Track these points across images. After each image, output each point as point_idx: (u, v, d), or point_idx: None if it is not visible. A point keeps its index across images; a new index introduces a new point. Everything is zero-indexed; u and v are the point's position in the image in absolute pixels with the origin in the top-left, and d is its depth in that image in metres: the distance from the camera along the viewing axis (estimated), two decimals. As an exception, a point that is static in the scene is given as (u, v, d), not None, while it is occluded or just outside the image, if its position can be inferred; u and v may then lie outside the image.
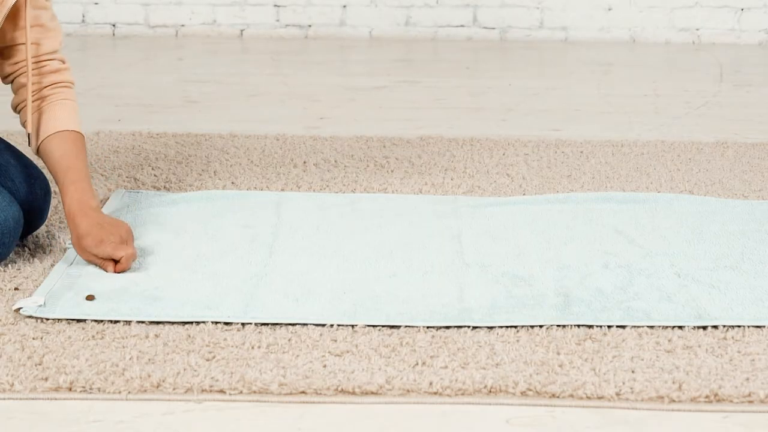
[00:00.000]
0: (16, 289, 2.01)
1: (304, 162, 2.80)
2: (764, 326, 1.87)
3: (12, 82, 2.22)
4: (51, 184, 2.31)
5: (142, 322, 1.87)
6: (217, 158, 2.82)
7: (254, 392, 1.66)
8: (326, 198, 2.51)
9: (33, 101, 2.18)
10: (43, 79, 2.21)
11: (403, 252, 2.19)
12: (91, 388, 1.66)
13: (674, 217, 2.39)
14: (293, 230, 2.30)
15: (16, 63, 2.19)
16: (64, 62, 2.24)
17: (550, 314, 1.90)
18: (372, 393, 1.66)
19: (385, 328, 1.86)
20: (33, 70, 2.18)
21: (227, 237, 2.25)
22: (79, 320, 1.88)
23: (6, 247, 2.07)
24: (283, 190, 2.59)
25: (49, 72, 2.21)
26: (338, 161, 2.81)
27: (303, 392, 1.66)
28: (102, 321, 1.87)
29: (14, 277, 2.06)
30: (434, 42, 4.62)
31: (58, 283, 2.00)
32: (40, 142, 2.18)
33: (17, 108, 2.22)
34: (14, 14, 2.14)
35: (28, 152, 2.41)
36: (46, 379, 1.67)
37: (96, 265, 2.06)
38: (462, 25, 4.65)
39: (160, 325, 1.86)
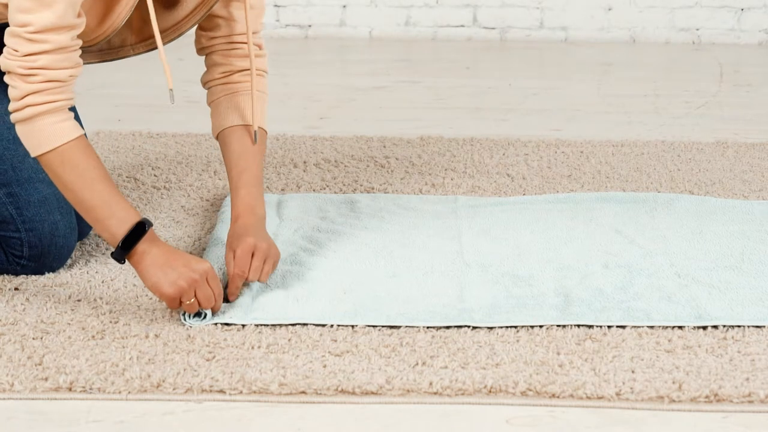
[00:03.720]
0: (16, 289, 2.01)
1: (304, 162, 2.80)
2: (764, 326, 1.87)
3: (206, 56, 2.13)
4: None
5: (142, 322, 1.88)
6: (217, 158, 2.82)
7: (254, 392, 1.66)
8: (326, 198, 2.51)
9: (219, 84, 2.11)
10: (235, 63, 2.11)
11: (403, 252, 2.18)
12: (91, 388, 1.66)
13: (674, 217, 2.39)
14: (293, 230, 2.30)
15: (212, 38, 2.10)
16: (260, 47, 2.13)
17: (550, 314, 1.90)
18: (372, 393, 1.66)
19: (385, 328, 1.86)
20: (223, 50, 2.10)
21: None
22: (79, 320, 1.88)
23: (58, 260, 2.09)
24: (283, 190, 2.59)
25: (241, 56, 2.11)
26: (338, 161, 2.81)
27: (303, 392, 1.66)
28: (102, 321, 1.88)
29: (14, 277, 2.06)
30: (434, 42, 4.62)
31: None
32: (221, 130, 2.10)
33: (206, 84, 2.13)
34: None
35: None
36: (46, 379, 1.67)
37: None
38: (462, 25, 4.65)
39: (160, 325, 1.86)
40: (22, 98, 1.82)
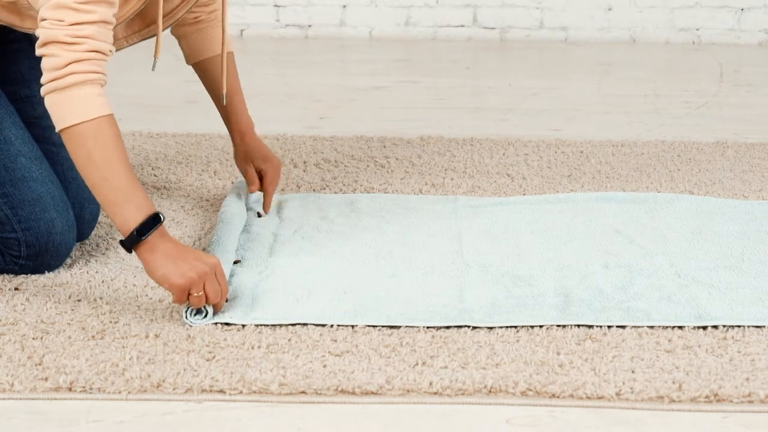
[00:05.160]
0: (16, 289, 2.01)
1: (304, 162, 2.80)
2: (764, 326, 1.87)
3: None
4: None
5: (142, 322, 1.88)
6: (217, 158, 2.82)
7: (254, 392, 1.66)
8: (326, 198, 2.51)
9: (189, 23, 2.34)
10: (203, 10, 2.33)
11: (403, 252, 2.18)
12: (91, 388, 1.66)
13: (674, 217, 2.39)
14: (293, 230, 2.30)
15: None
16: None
17: (550, 314, 1.90)
18: (372, 393, 1.66)
19: (385, 328, 1.87)
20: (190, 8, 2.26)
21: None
22: (79, 320, 1.88)
23: (56, 258, 2.08)
24: (283, 190, 2.59)
25: (205, 4, 2.33)
26: (338, 161, 2.81)
27: (303, 392, 1.66)
28: (102, 321, 1.88)
29: (14, 277, 2.06)
30: (434, 42, 4.62)
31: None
32: (204, 58, 2.35)
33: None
34: None
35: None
36: (46, 379, 1.67)
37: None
38: (462, 25, 4.65)
39: (160, 325, 1.86)
40: (66, 65, 1.83)
